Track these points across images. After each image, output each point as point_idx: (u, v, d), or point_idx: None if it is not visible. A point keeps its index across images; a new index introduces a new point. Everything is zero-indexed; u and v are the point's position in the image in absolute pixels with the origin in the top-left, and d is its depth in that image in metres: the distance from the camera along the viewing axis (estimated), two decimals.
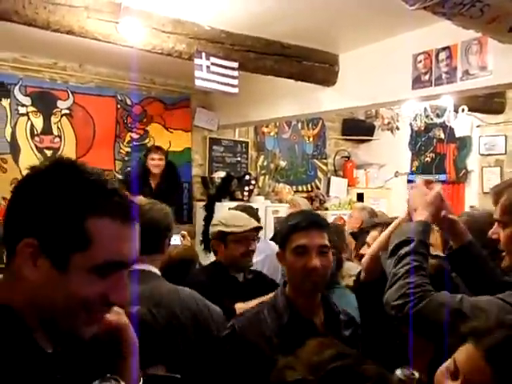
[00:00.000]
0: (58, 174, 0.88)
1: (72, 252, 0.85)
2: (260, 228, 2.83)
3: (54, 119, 5.42)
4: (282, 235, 1.78)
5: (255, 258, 2.88)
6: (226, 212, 3.33)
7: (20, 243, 0.85)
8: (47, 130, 5.38)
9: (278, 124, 7.10)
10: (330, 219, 6.39)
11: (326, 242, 1.73)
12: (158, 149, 5.57)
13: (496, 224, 1.49)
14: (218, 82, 4.17)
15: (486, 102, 6.11)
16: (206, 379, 1.69)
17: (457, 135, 7.08)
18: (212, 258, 3.03)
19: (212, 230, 2.73)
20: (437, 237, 2.65)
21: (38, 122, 5.33)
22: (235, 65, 4.21)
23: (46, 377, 0.84)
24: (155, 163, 5.44)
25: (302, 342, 1.50)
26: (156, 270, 1.93)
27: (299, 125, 7.45)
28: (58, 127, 5.45)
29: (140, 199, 2.03)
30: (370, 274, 1.96)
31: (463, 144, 7.13)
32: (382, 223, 3.29)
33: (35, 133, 5.31)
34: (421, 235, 1.55)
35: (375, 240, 3.01)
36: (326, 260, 1.72)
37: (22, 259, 0.85)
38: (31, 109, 5.28)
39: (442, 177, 7.24)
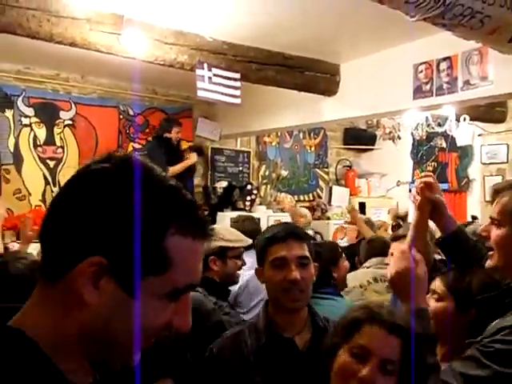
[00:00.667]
0: (131, 176, 0.70)
1: (146, 275, 0.69)
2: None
3: (56, 130, 5.45)
4: (260, 249, 1.68)
5: (252, 271, 2.89)
6: (219, 227, 3.28)
7: (83, 261, 0.67)
8: (50, 141, 5.41)
9: (279, 134, 7.12)
10: (332, 228, 6.40)
11: (306, 253, 1.63)
12: (177, 121, 5.70)
13: (489, 221, 1.47)
14: (220, 93, 4.19)
15: (488, 111, 6.12)
16: None
17: (458, 144, 7.09)
18: None
19: (211, 244, 2.69)
20: None
21: (41, 133, 5.36)
22: (237, 76, 4.23)
23: None
24: (179, 136, 5.61)
25: (280, 363, 1.49)
26: None
27: (301, 134, 7.46)
28: (60, 138, 5.47)
29: None
30: None
31: (465, 153, 7.14)
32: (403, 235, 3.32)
33: (38, 143, 5.34)
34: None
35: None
36: (307, 272, 1.61)
37: (83, 280, 0.67)
38: (34, 120, 5.31)
39: (444, 186, 7.23)
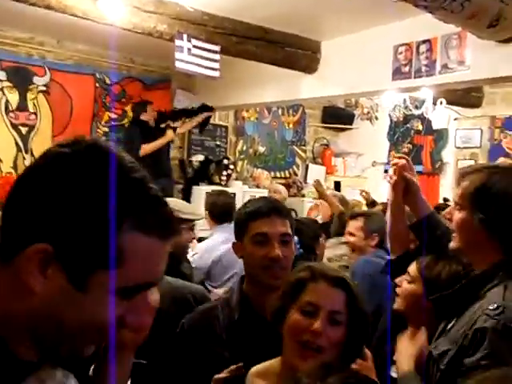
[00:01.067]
0: (91, 164, 0.67)
1: (97, 268, 0.66)
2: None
3: (30, 95, 5.31)
4: (240, 223, 1.62)
5: (226, 245, 2.91)
6: (171, 200, 3.27)
7: (29, 248, 0.65)
8: (23, 107, 5.27)
9: (258, 109, 7.08)
10: (307, 206, 6.45)
11: (289, 231, 1.58)
12: (149, 102, 5.64)
13: (453, 204, 1.52)
14: (199, 65, 4.14)
15: (464, 96, 6.19)
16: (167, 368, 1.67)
17: (434, 127, 7.16)
18: None
19: None
20: None
21: (14, 98, 5.21)
22: (217, 48, 4.18)
23: None
24: (154, 115, 5.56)
25: (252, 340, 1.48)
26: None
27: (279, 111, 7.44)
28: (33, 104, 5.34)
29: None
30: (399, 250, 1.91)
31: (440, 136, 7.23)
32: (361, 213, 3.36)
33: (10, 109, 5.20)
34: None
35: (358, 229, 3.07)
36: (289, 250, 1.57)
37: (29, 265, 0.65)
38: (6, 84, 5.15)
39: (419, 168, 7.33)
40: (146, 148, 5.31)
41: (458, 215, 1.46)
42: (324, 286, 1.27)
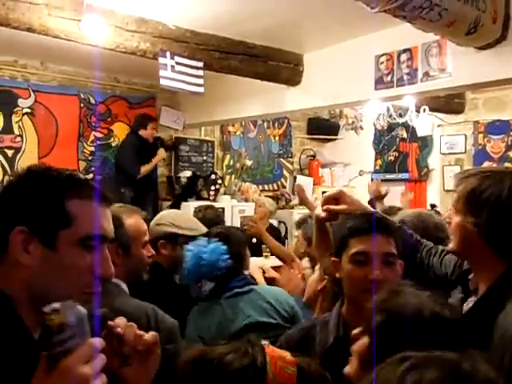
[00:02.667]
0: (37, 173, 1.03)
1: (58, 230, 0.96)
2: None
3: (14, 118, 5.29)
4: (338, 240, 1.50)
5: None
6: (171, 212, 3.23)
7: (12, 232, 0.95)
8: (8, 130, 5.25)
9: (243, 123, 7.12)
10: (296, 218, 6.45)
11: (393, 250, 1.44)
12: (152, 117, 5.76)
13: (452, 209, 1.54)
14: (184, 82, 4.16)
15: (447, 103, 6.28)
16: None
17: (419, 134, 7.23)
18: None
19: (160, 229, 2.57)
20: None
21: None
22: (200, 64, 4.21)
23: (30, 361, 0.83)
24: (153, 133, 5.67)
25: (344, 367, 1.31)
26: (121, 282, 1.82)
27: (265, 124, 7.48)
28: (19, 126, 5.32)
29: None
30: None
31: (425, 143, 7.31)
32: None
33: None
34: None
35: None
36: (393, 272, 1.42)
37: (15, 247, 0.94)
38: None
39: (405, 175, 7.40)
40: (143, 170, 5.48)
41: (454, 219, 1.48)
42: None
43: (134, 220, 1.94)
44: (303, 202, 5.05)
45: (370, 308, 1.09)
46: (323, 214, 1.73)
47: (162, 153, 5.78)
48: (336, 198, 1.69)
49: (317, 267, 1.79)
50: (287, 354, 0.99)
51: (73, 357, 0.79)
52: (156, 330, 1.67)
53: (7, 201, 1.00)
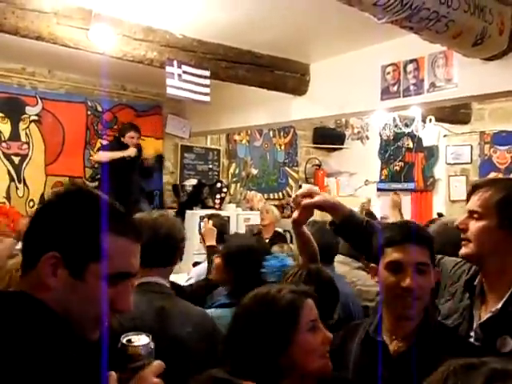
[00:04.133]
0: (78, 197, 1.04)
1: (89, 261, 0.98)
2: None
3: (22, 125, 5.32)
4: (376, 249, 1.58)
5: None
6: None
7: (43, 256, 0.97)
8: (15, 137, 5.28)
9: (249, 132, 7.13)
10: None
11: (426, 259, 1.50)
12: (135, 127, 5.60)
13: (467, 214, 1.56)
14: (190, 91, 4.17)
15: (453, 113, 6.27)
16: None
17: (424, 144, 7.23)
18: (182, 266, 3.03)
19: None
20: None
21: (6, 128, 5.22)
22: (207, 73, 4.22)
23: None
24: (134, 141, 5.50)
25: (369, 366, 1.46)
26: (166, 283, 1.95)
27: (271, 133, 7.49)
28: (26, 133, 5.35)
29: (151, 213, 2.04)
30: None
31: (431, 153, 7.29)
32: None
33: (2, 139, 5.21)
34: None
35: None
36: (425, 280, 1.48)
37: (45, 268, 0.97)
38: None
39: (411, 185, 7.38)
40: (101, 155, 5.47)
41: (476, 224, 1.52)
42: (309, 301, 1.37)
43: None
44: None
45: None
46: (295, 215, 1.96)
47: (130, 150, 5.48)
48: (308, 195, 1.91)
49: None
50: None
51: (148, 370, 0.98)
52: (216, 336, 1.82)
53: (45, 221, 1.01)
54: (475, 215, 1.54)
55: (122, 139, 5.51)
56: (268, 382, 1.25)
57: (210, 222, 3.54)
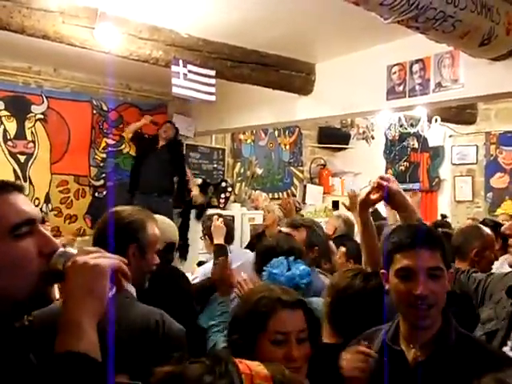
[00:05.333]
0: None
1: None
2: None
3: (27, 124, 5.34)
4: (385, 252, 1.50)
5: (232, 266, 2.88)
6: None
7: None
8: (21, 135, 5.30)
9: (254, 131, 7.12)
10: None
11: (439, 264, 1.40)
12: (171, 122, 5.85)
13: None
14: (195, 90, 4.17)
15: (459, 113, 6.25)
16: None
17: (430, 145, 7.21)
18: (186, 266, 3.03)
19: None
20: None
21: (12, 127, 5.24)
22: (212, 73, 4.22)
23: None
24: (168, 134, 5.73)
25: (388, 376, 1.38)
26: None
27: (276, 132, 7.49)
28: (31, 132, 5.37)
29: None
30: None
31: (436, 153, 7.27)
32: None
33: (8, 137, 5.22)
34: None
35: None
36: (438, 286, 1.39)
37: None
38: (4, 113, 5.19)
39: (416, 185, 7.36)
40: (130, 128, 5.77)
41: None
42: (286, 313, 1.36)
43: (154, 226, 1.96)
44: (352, 207, 4.90)
45: None
46: (363, 195, 1.90)
47: (145, 118, 5.84)
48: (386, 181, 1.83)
49: None
50: (261, 368, 0.98)
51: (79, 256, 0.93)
52: (164, 336, 1.71)
53: None
54: None
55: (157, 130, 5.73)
56: None
57: (220, 219, 3.50)
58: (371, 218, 1.96)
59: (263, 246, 2.49)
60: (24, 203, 0.99)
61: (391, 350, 1.43)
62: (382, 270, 1.51)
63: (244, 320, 1.41)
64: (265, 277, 2.22)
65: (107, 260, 0.94)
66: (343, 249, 3.35)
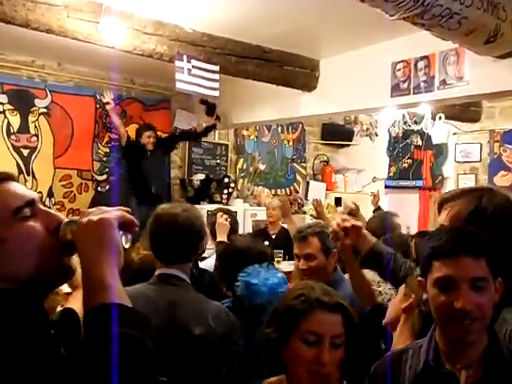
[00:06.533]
0: None
1: None
2: None
3: (31, 118, 5.34)
4: (422, 260, 1.35)
5: None
6: None
7: None
8: (24, 129, 5.30)
9: (257, 127, 7.11)
10: (309, 223, 6.42)
11: (483, 273, 1.23)
12: (151, 127, 5.68)
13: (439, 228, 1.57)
14: (199, 85, 4.17)
15: (463, 111, 6.23)
16: None
17: (434, 142, 7.19)
18: None
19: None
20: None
21: (15, 121, 5.24)
22: (216, 68, 4.21)
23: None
24: (151, 140, 5.56)
25: None
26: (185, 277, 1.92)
27: (279, 128, 7.47)
28: (35, 126, 5.37)
29: (173, 206, 2.00)
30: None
31: (440, 151, 7.25)
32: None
33: (12, 131, 5.22)
34: None
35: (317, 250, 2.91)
36: (483, 297, 1.22)
37: None
38: (8, 107, 5.19)
39: (419, 183, 7.35)
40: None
41: None
42: (322, 315, 1.31)
43: None
44: (320, 215, 4.95)
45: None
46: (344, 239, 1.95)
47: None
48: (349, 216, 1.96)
49: (401, 287, 1.77)
50: None
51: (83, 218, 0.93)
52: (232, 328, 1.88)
53: None
54: None
55: (139, 139, 5.55)
56: (276, 367, 1.40)
57: (225, 216, 3.47)
58: (353, 257, 2.02)
59: (231, 251, 2.34)
60: (20, 188, 0.98)
61: (437, 373, 1.26)
62: (420, 278, 1.37)
63: (280, 315, 1.40)
64: (240, 287, 2.06)
65: (109, 213, 0.94)
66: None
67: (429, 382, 1.27)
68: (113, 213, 0.95)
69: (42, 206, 0.99)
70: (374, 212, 5.27)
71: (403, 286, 1.74)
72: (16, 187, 0.97)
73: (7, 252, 0.91)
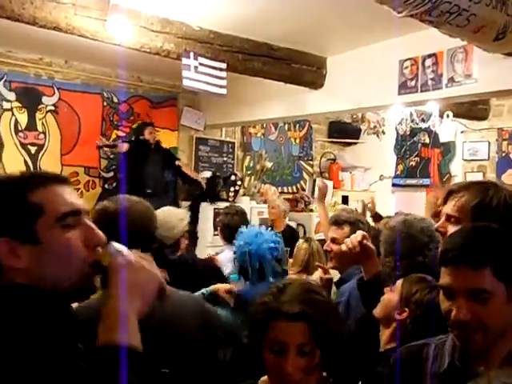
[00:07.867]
0: None
1: (32, 223, 0.96)
2: None
3: (38, 115, 5.36)
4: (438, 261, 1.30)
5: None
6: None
7: None
8: (32, 126, 5.32)
9: (264, 125, 7.11)
10: (315, 221, 6.43)
11: (484, 286, 1.15)
12: (149, 124, 5.70)
13: (445, 217, 1.59)
14: (206, 83, 4.16)
15: (471, 109, 6.19)
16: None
17: (441, 140, 7.15)
18: None
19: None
20: None
21: (23, 118, 5.26)
22: (223, 66, 4.21)
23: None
24: (154, 136, 5.59)
25: None
26: None
27: (286, 126, 7.46)
28: (42, 123, 5.39)
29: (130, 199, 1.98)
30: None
31: (447, 149, 7.21)
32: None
33: (19, 129, 5.25)
34: None
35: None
36: (486, 308, 1.15)
37: (5, 257, 0.95)
38: (16, 104, 5.21)
39: (426, 181, 7.31)
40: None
41: (454, 228, 1.52)
42: (283, 324, 1.29)
43: None
44: (320, 197, 4.79)
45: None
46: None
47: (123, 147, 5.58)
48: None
49: (398, 283, 1.80)
50: None
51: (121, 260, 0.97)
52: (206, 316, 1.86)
53: None
54: (452, 219, 1.56)
55: (141, 137, 5.55)
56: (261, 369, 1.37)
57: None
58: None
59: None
60: (71, 195, 1.03)
61: (462, 374, 1.20)
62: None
63: (250, 324, 1.42)
64: (237, 252, 2.45)
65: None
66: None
67: (454, 381, 1.22)
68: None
69: (87, 220, 1.03)
70: (372, 219, 5.03)
71: (399, 281, 1.77)
72: (68, 193, 1.03)
73: (42, 254, 0.96)
